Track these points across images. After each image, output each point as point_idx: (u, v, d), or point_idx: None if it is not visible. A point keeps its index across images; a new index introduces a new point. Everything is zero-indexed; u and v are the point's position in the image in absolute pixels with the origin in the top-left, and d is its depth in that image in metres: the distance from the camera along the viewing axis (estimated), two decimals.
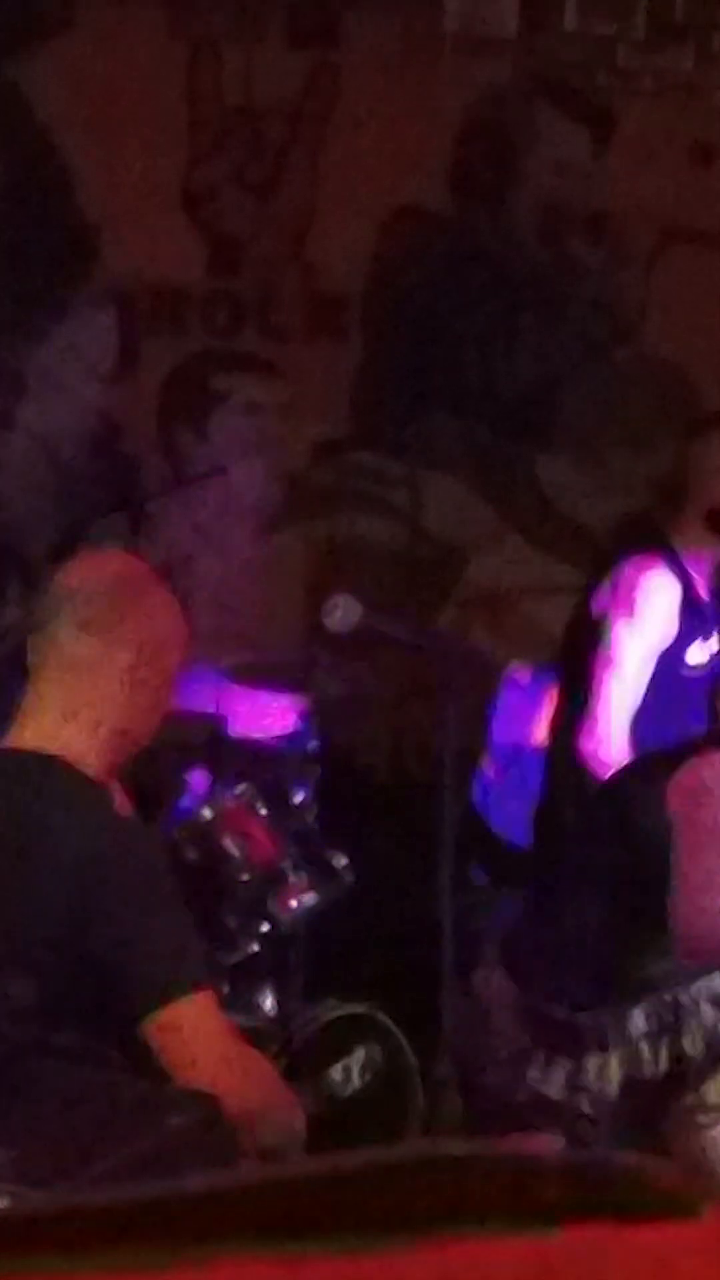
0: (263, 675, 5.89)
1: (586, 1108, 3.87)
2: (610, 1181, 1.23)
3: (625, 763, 4.53)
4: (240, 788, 4.39)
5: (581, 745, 4.66)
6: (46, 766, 2.96)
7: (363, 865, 4.61)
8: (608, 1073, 3.88)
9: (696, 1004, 3.98)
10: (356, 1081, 4.37)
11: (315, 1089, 4.26)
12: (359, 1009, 4.39)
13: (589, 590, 4.86)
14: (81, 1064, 2.74)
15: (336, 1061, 4.33)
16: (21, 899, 2.86)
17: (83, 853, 2.85)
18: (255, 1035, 4.16)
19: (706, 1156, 3.89)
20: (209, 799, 4.37)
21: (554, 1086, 3.91)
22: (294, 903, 4.28)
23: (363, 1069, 4.38)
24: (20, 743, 3.01)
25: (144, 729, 3.08)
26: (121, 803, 3.13)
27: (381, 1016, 4.41)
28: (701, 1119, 3.97)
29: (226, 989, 4.42)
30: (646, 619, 4.72)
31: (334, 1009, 4.34)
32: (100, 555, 3.24)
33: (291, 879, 4.32)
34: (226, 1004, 4.32)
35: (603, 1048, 3.88)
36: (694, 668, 4.77)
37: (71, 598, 3.03)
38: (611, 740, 4.63)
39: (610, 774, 4.47)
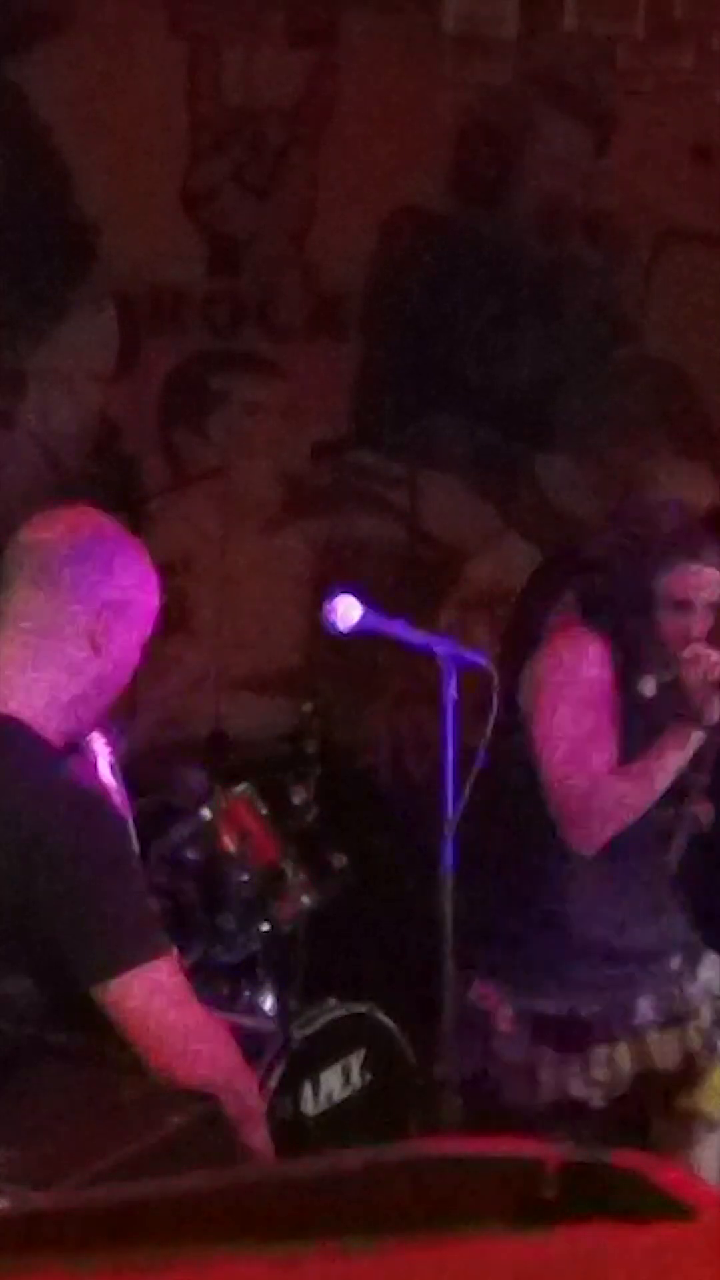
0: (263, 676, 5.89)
1: (599, 1101, 3.86)
2: (608, 1182, 1.23)
3: None
4: (240, 788, 4.39)
5: None
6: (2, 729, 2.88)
7: (362, 865, 4.62)
8: (617, 1063, 3.86)
9: (700, 1001, 3.98)
10: (356, 1082, 4.37)
11: (312, 1093, 4.25)
12: (359, 1009, 4.39)
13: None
14: (81, 1064, 2.73)
15: (335, 1063, 4.33)
16: None
17: (32, 819, 2.78)
18: (255, 1036, 4.17)
19: (696, 1167, 3.88)
20: (209, 799, 4.37)
21: (574, 1084, 3.89)
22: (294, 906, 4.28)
23: (362, 1069, 4.38)
24: None
25: (106, 691, 2.96)
26: (90, 764, 3.09)
27: (381, 1016, 4.41)
28: (693, 1127, 3.97)
29: (226, 989, 4.43)
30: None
31: (334, 1009, 4.35)
32: (65, 512, 3.02)
33: (291, 879, 4.33)
34: (227, 1004, 4.33)
35: (609, 1039, 3.86)
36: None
37: (32, 553, 2.92)
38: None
39: None
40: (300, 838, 4.46)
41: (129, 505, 5.95)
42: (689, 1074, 3.97)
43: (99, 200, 6.40)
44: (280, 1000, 4.43)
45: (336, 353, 6.65)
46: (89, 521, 3.01)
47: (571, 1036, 3.88)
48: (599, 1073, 3.86)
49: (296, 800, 4.57)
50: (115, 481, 6.35)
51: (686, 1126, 3.99)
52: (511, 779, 3.96)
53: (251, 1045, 3.81)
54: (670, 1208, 1.21)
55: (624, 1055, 3.85)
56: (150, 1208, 1.22)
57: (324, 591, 3.83)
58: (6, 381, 6.43)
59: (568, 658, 3.94)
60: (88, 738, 3.16)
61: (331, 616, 3.71)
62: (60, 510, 3.04)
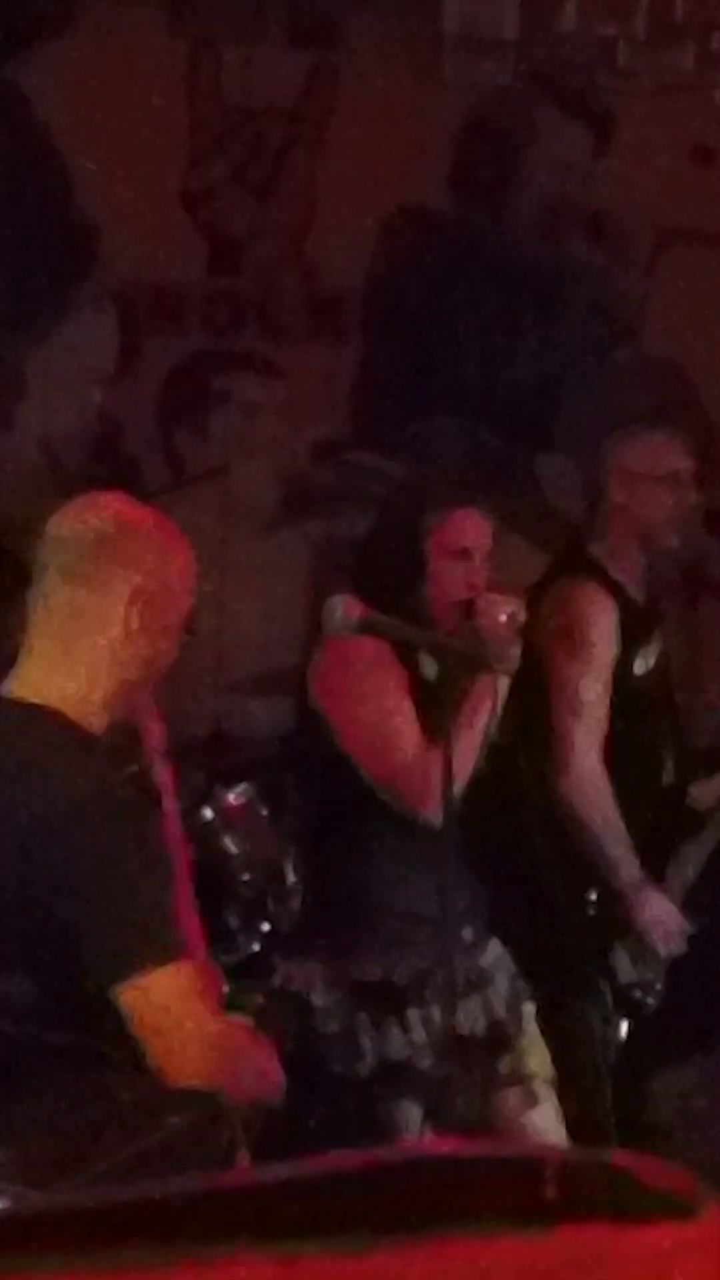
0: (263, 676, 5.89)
1: (426, 1062, 3.91)
2: (608, 1182, 1.23)
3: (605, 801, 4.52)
4: (240, 788, 4.39)
5: (560, 786, 4.54)
6: (33, 718, 2.89)
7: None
8: (435, 1024, 3.89)
9: (495, 970, 4.04)
10: None
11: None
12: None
13: None
14: (81, 1064, 2.73)
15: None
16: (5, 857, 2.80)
17: (60, 809, 2.78)
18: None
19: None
20: (209, 799, 4.37)
21: (395, 1046, 3.93)
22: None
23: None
24: (13, 694, 2.94)
25: (145, 677, 2.99)
26: (155, 737, 3.10)
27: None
28: (533, 1088, 4.02)
29: (227, 989, 4.42)
30: (595, 650, 4.61)
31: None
32: (93, 500, 3.05)
33: (291, 879, 4.32)
34: (226, 1004, 4.32)
35: (421, 1002, 3.89)
36: (641, 676, 4.71)
37: (60, 545, 2.95)
38: (589, 781, 4.55)
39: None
40: (300, 838, 4.45)
41: None
42: (498, 1040, 4.05)
43: (99, 200, 6.40)
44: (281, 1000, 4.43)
45: (336, 353, 6.65)
46: (114, 510, 3.02)
47: (387, 1000, 3.94)
48: (417, 1034, 3.89)
49: (296, 800, 4.57)
50: (115, 481, 6.34)
51: (527, 1089, 4.07)
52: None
53: None
54: (670, 1207, 1.21)
55: (438, 1017, 3.89)
56: (150, 1208, 1.22)
57: (324, 591, 3.84)
58: (6, 381, 6.43)
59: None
60: (149, 735, 3.16)
61: (331, 617, 3.71)
62: (85, 500, 3.05)
